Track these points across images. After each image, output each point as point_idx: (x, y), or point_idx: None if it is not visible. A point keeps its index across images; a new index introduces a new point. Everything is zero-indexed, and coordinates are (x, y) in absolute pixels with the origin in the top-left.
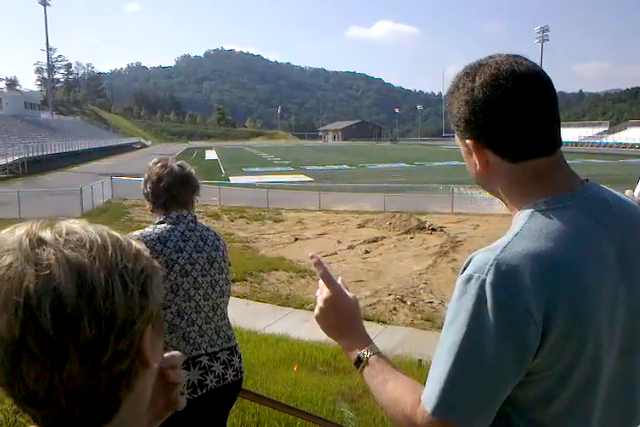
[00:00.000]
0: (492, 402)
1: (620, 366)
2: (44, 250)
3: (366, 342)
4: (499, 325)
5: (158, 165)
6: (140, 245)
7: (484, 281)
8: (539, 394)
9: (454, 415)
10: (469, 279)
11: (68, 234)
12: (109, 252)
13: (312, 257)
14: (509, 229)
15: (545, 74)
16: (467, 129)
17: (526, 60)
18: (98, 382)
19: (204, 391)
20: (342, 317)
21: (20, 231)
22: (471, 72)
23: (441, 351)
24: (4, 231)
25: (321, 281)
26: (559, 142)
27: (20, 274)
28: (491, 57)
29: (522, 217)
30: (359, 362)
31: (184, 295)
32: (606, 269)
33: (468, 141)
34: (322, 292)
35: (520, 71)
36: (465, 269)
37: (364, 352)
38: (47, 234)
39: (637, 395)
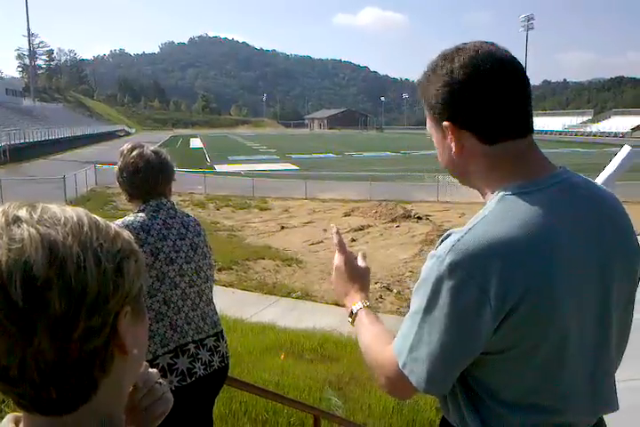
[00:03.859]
0: (446, 370)
1: (594, 352)
2: (18, 226)
3: (362, 299)
4: (453, 303)
5: (134, 153)
6: (122, 231)
7: (443, 261)
8: (505, 374)
9: (414, 376)
10: (432, 257)
11: (43, 212)
12: (85, 229)
13: (332, 227)
14: (480, 210)
15: (517, 60)
16: (445, 111)
17: (498, 45)
18: (70, 359)
19: (193, 379)
20: (348, 280)
21: None
22: (449, 55)
23: (409, 313)
24: None
25: (337, 250)
26: (531, 126)
27: None
28: (466, 43)
29: (492, 201)
30: (351, 315)
31: (170, 283)
32: (573, 254)
33: (445, 124)
34: (336, 258)
35: (498, 54)
36: (439, 245)
37: (355, 307)
38: (22, 212)
39: (612, 380)
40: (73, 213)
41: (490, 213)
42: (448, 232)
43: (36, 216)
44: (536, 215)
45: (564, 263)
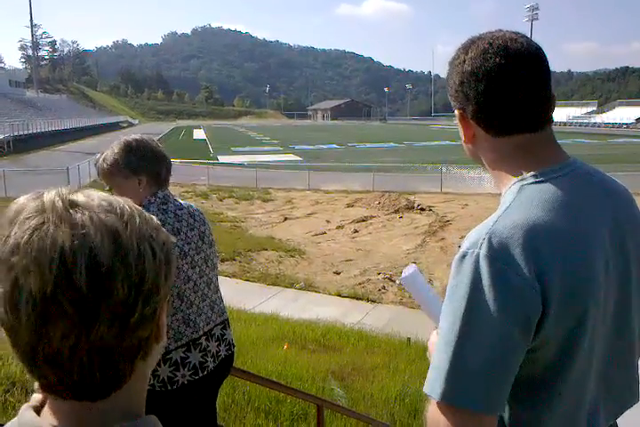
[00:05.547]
0: (504, 378)
1: (615, 339)
2: (77, 212)
3: None
4: (498, 294)
5: (140, 144)
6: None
7: (478, 255)
8: (540, 373)
9: (467, 400)
10: (464, 256)
11: (99, 199)
12: (137, 220)
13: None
14: (499, 204)
15: (540, 53)
16: (456, 100)
17: (524, 37)
18: (122, 346)
19: (205, 373)
20: None
21: (49, 194)
22: (467, 45)
23: (441, 335)
24: (21, 198)
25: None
26: (547, 120)
27: (54, 234)
28: (491, 32)
29: (511, 192)
30: None
31: (184, 278)
32: (599, 237)
33: (456, 112)
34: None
35: (512, 48)
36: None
37: None
38: (79, 197)
39: (634, 370)
40: (122, 202)
41: (512, 205)
42: (467, 235)
43: (94, 203)
44: (558, 201)
45: (591, 245)
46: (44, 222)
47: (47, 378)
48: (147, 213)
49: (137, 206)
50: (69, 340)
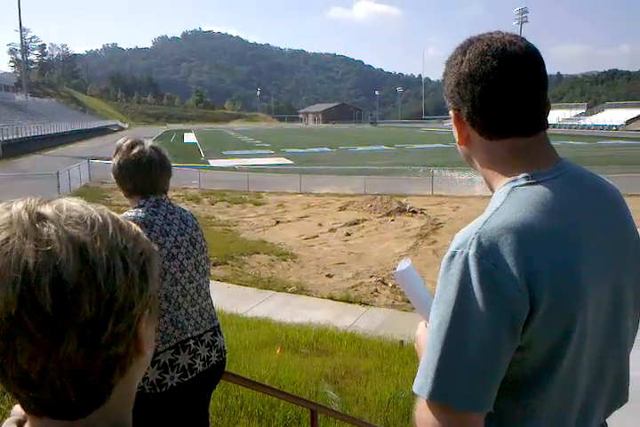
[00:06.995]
0: (491, 377)
1: (608, 339)
2: (43, 225)
3: None
4: (486, 294)
5: (135, 150)
6: (138, 228)
7: (467, 255)
8: (527, 373)
9: (454, 398)
10: (453, 256)
11: (68, 211)
12: (110, 231)
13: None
14: (489, 204)
15: (537, 57)
16: (452, 100)
17: (524, 41)
18: (93, 365)
19: (194, 375)
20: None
21: (17, 206)
22: (465, 45)
23: (430, 334)
24: None
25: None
26: (542, 125)
27: (19, 250)
28: (490, 33)
29: (502, 193)
30: None
31: (171, 280)
32: (590, 239)
33: (451, 113)
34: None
35: (509, 51)
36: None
37: None
38: (47, 210)
39: (626, 370)
40: (96, 212)
41: (502, 205)
42: (457, 235)
43: (62, 216)
44: (549, 203)
45: (583, 247)
46: (9, 237)
47: (20, 397)
48: (125, 221)
49: (113, 214)
50: (37, 362)
